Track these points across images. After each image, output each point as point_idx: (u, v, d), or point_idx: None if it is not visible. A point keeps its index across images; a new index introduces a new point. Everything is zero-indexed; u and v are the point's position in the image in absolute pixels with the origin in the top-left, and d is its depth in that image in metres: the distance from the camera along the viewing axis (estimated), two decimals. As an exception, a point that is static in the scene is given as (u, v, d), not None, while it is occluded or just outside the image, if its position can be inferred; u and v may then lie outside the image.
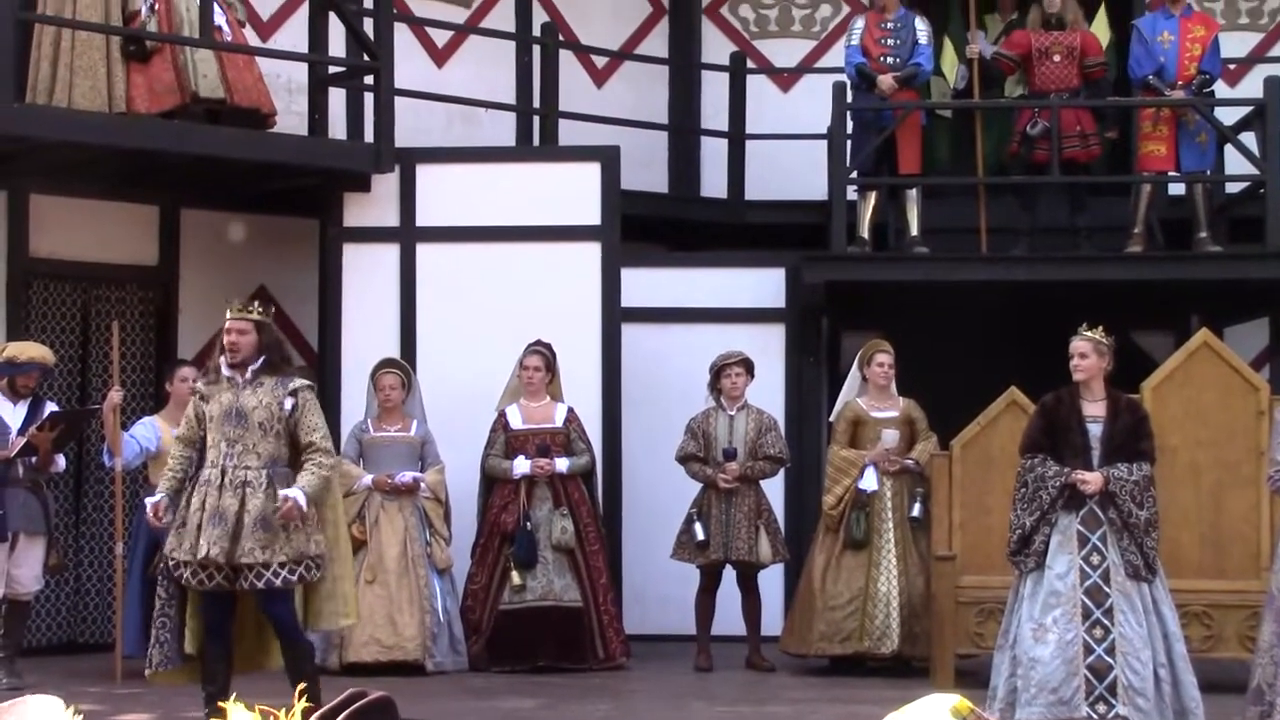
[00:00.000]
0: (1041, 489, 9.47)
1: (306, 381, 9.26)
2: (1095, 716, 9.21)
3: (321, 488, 8.97)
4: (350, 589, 9.29)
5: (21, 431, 11.21)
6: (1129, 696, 9.21)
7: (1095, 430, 9.56)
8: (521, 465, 12.19)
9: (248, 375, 9.02)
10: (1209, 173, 14.12)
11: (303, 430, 8.99)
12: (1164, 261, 14.05)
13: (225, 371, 9.07)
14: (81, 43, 12.15)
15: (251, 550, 8.76)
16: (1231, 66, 14.95)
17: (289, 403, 8.99)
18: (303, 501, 8.82)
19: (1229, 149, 14.06)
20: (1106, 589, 9.34)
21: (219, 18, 12.62)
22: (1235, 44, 15.24)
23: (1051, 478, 9.46)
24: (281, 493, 8.81)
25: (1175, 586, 9.82)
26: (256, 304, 9.29)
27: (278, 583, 8.85)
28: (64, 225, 13.04)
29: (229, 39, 12.70)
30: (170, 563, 9.02)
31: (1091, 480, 9.38)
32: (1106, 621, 9.28)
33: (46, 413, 11.32)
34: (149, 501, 9.36)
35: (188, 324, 13.50)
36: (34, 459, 11.21)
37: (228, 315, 9.15)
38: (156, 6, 12.59)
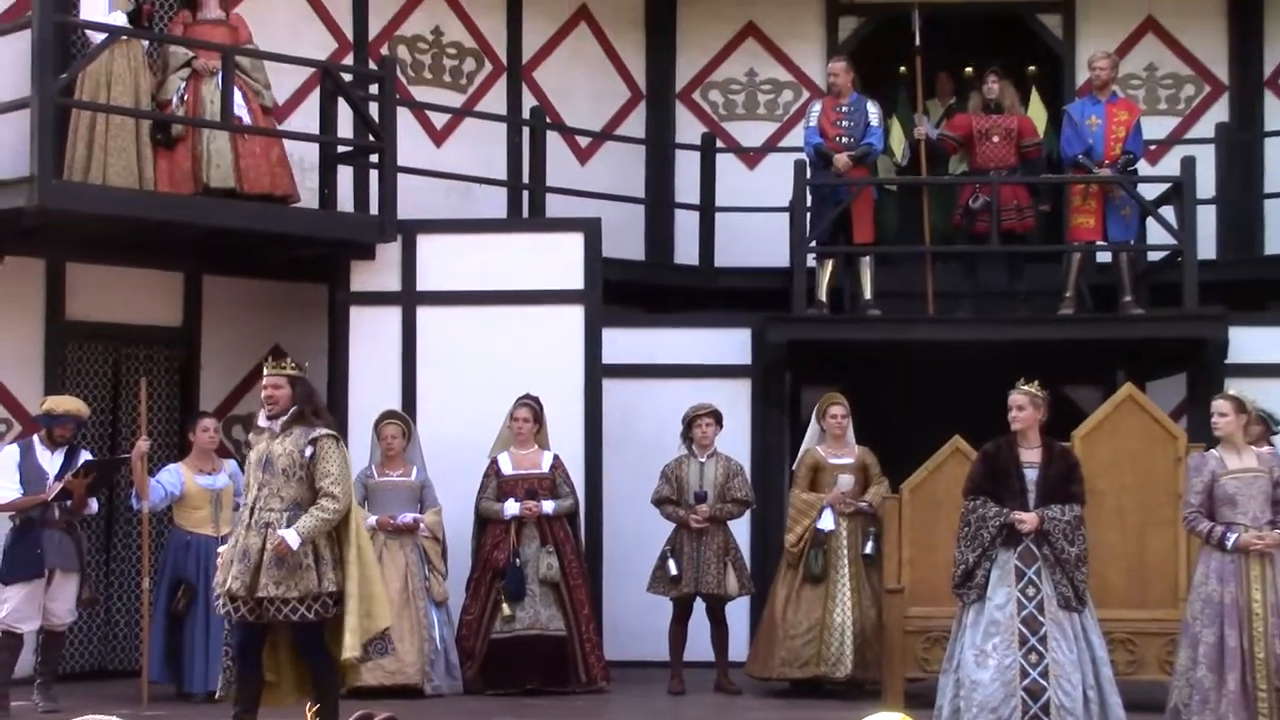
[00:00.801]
0: (983, 528, 9.49)
1: (329, 431, 9.10)
2: (1030, 734, 9.25)
3: (320, 529, 8.81)
4: (356, 624, 8.92)
5: (58, 477, 11.16)
6: (1061, 716, 9.22)
7: (1031, 475, 9.59)
8: (511, 507, 12.18)
9: (279, 425, 9.01)
10: (1133, 243, 14.13)
11: (317, 476, 8.90)
12: (1093, 323, 14.10)
13: (263, 422, 9.08)
14: (115, 126, 12.17)
15: (266, 585, 8.73)
16: (1152, 147, 15.00)
17: (309, 450, 8.92)
18: (292, 541, 8.71)
19: (1150, 221, 14.09)
20: (1041, 618, 9.35)
21: (241, 107, 12.69)
22: (1155, 127, 15.28)
23: (992, 518, 9.48)
24: (279, 532, 8.76)
25: (1103, 615, 9.83)
26: (290, 360, 9.29)
27: (295, 618, 8.81)
28: (96, 290, 13.01)
29: (248, 122, 12.73)
30: (215, 594, 9.06)
31: (1028, 520, 9.40)
32: (1041, 648, 9.29)
33: (81, 461, 11.27)
34: (221, 549, 9.26)
35: (208, 379, 13.49)
36: (69, 502, 11.16)
37: (265, 371, 9.16)
38: (186, 97, 12.65)
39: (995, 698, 9.25)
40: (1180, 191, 13.78)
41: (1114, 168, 13.88)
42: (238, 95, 12.68)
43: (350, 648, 8.91)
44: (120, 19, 12.26)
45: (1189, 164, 13.82)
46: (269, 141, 12.96)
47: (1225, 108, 15.76)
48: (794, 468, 12.61)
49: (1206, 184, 14.51)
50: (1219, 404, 9.85)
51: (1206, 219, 14.62)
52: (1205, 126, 15.55)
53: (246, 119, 12.75)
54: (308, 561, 8.78)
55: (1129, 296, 13.93)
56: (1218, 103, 15.81)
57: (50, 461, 11.27)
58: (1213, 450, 9.84)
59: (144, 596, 11.72)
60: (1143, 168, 14.42)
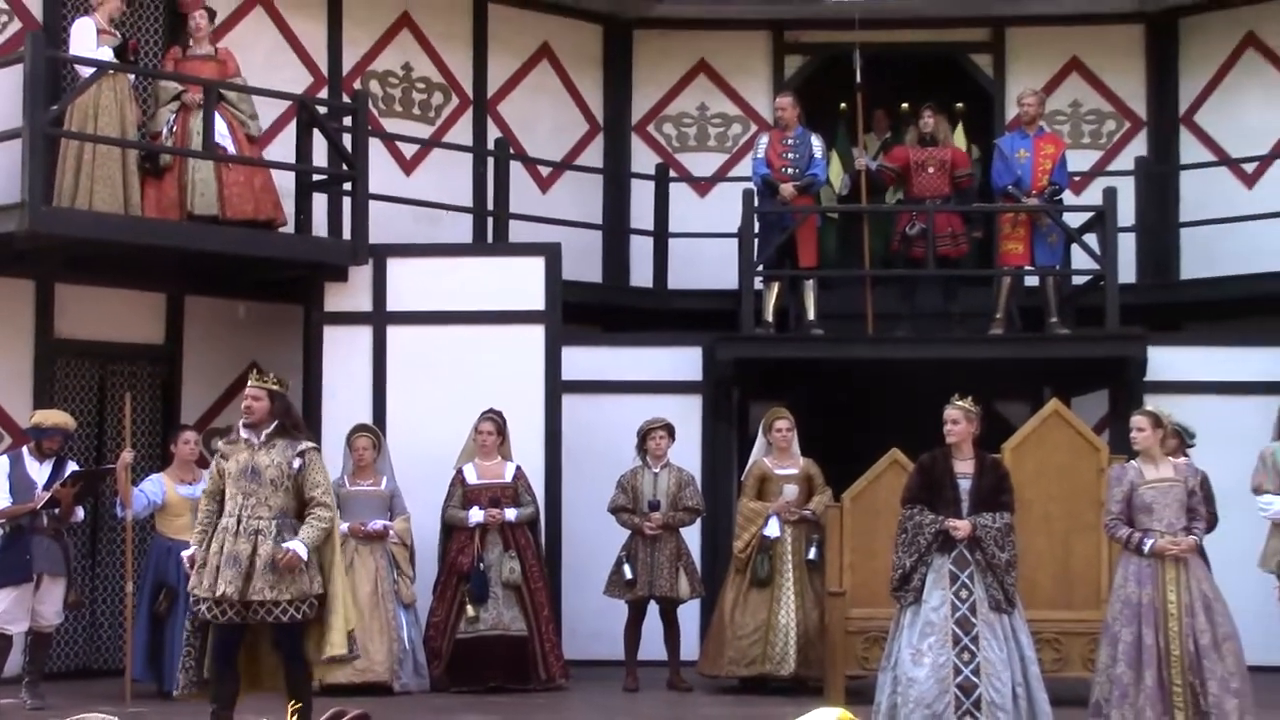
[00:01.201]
0: (919, 535, 9.53)
1: (313, 444, 9.16)
2: (963, 729, 9.29)
3: (320, 538, 8.88)
4: (340, 624, 9.00)
5: (46, 487, 11.12)
6: (991, 711, 9.24)
7: (965, 485, 9.62)
8: (476, 515, 12.18)
9: (262, 437, 8.98)
10: (1058, 267, 14.19)
11: (307, 486, 8.92)
12: (1021, 342, 14.15)
13: (243, 433, 9.03)
14: (101, 155, 12.12)
15: (261, 589, 8.71)
16: (1076, 178, 15.07)
17: (297, 462, 8.92)
18: (303, 552, 8.75)
19: (1075, 248, 14.16)
20: (973, 619, 9.39)
21: (226, 136, 12.69)
22: (1080, 160, 15.36)
23: (928, 525, 9.51)
24: (284, 545, 8.75)
25: (1030, 616, 9.85)
26: (273, 375, 9.24)
27: (284, 619, 8.80)
28: (84, 310, 12.97)
29: (232, 151, 12.73)
30: (192, 599, 8.99)
31: (962, 527, 9.44)
32: (973, 647, 9.33)
33: (68, 471, 11.24)
34: (185, 555, 9.27)
35: (189, 394, 13.44)
36: (56, 510, 11.13)
37: (249, 383, 9.13)
38: (175, 129, 12.64)
39: (930, 694, 9.29)
40: (1102, 220, 13.87)
41: (1041, 197, 13.96)
42: (224, 125, 12.70)
43: (338, 645, 8.95)
44: (107, 54, 12.24)
45: (1110, 194, 13.91)
46: (253, 169, 12.95)
47: (1144, 142, 15.84)
48: (742, 478, 12.64)
49: (1127, 213, 14.60)
50: (1137, 420, 9.92)
51: (1127, 246, 14.73)
52: (1125, 160, 15.63)
53: (231, 148, 12.74)
54: (301, 565, 8.79)
55: (1055, 318, 14.01)
56: (1137, 137, 15.89)
57: (39, 472, 11.23)
58: (1132, 462, 9.91)
59: (127, 600, 11.68)
60: (1068, 197, 14.49)
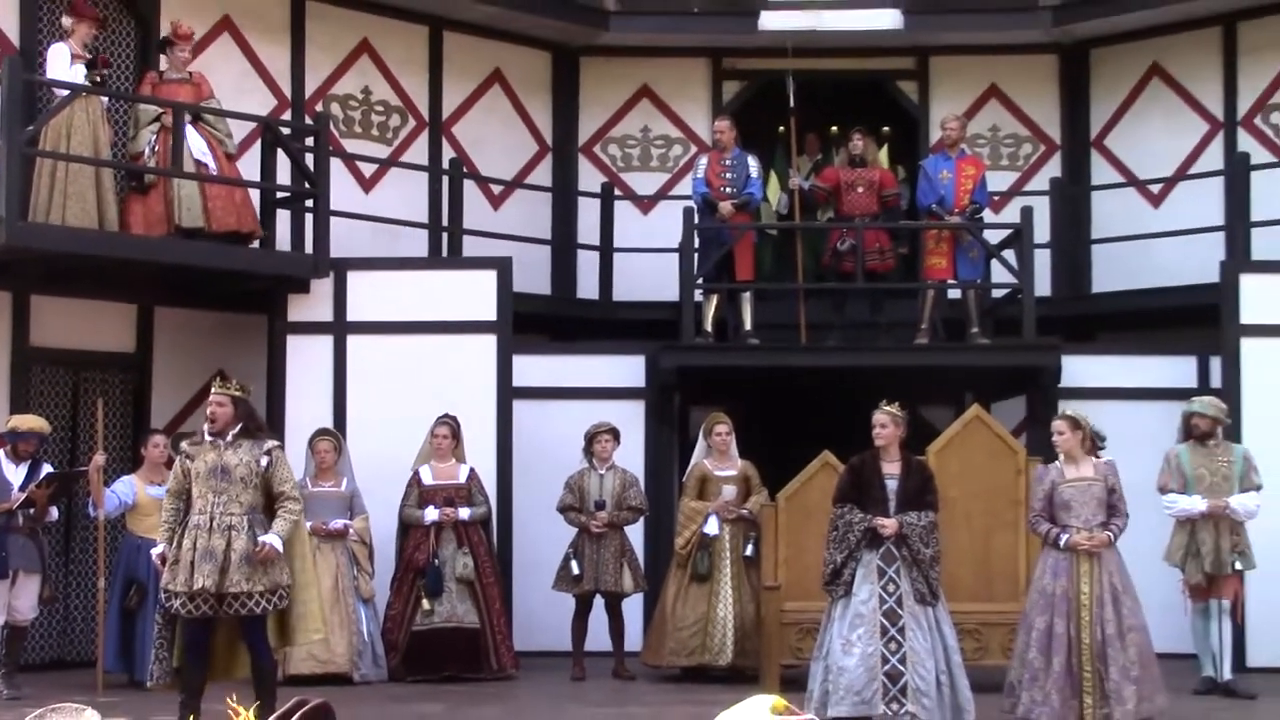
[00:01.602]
0: (849, 532, 9.58)
1: (277, 443, 9.27)
2: (890, 713, 9.31)
3: (292, 530, 8.94)
4: (317, 609, 9.20)
5: (22, 488, 11.07)
6: (916, 697, 9.31)
7: (892, 485, 9.68)
8: (431, 513, 12.16)
9: (228, 439, 8.99)
10: (979, 281, 14.28)
11: (275, 482, 8.97)
12: (944, 351, 14.22)
13: (208, 436, 9.04)
14: (74, 173, 12.05)
15: (238, 581, 8.73)
16: (996, 198, 15.14)
17: (264, 460, 8.96)
18: (278, 545, 8.81)
19: (994, 263, 14.24)
20: (900, 611, 9.44)
21: (207, 154, 12.67)
22: (999, 180, 15.43)
23: (857, 523, 9.56)
24: (260, 539, 8.77)
25: (953, 608, 9.91)
26: (235, 382, 9.26)
27: (258, 610, 8.82)
28: (58, 320, 12.89)
29: (214, 171, 12.71)
30: (164, 596, 8.96)
31: (889, 525, 9.49)
32: (900, 637, 9.38)
33: (43, 473, 11.20)
34: (154, 552, 9.24)
35: (159, 400, 13.38)
36: (32, 510, 11.08)
37: (213, 389, 9.15)
38: (157, 148, 12.59)
39: (860, 681, 9.33)
40: (1020, 237, 13.95)
41: (963, 215, 14.01)
42: (204, 143, 12.69)
43: (315, 630, 9.18)
44: (80, 71, 12.18)
45: (1027, 213, 13.99)
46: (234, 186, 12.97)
47: (1058, 164, 15.94)
48: (684, 479, 12.66)
49: (1042, 230, 14.70)
50: (1057, 424, 10.01)
51: (1042, 261, 14.80)
52: (1041, 180, 15.72)
53: (212, 165, 12.73)
54: (277, 557, 8.84)
55: (976, 328, 14.07)
56: (1051, 160, 16.00)
57: (15, 473, 11.18)
58: (1055, 462, 10.01)
59: (100, 595, 11.60)
60: (988, 216, 14.54)
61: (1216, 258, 14.07)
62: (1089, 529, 9.69)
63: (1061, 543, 9.67)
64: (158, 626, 9.11)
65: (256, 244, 13.15)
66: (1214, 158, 15.15)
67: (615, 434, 12.52)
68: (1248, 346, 13.25)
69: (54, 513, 11.49)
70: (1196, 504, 11.35)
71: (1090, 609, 9.60)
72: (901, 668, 9.31)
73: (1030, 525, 10.00)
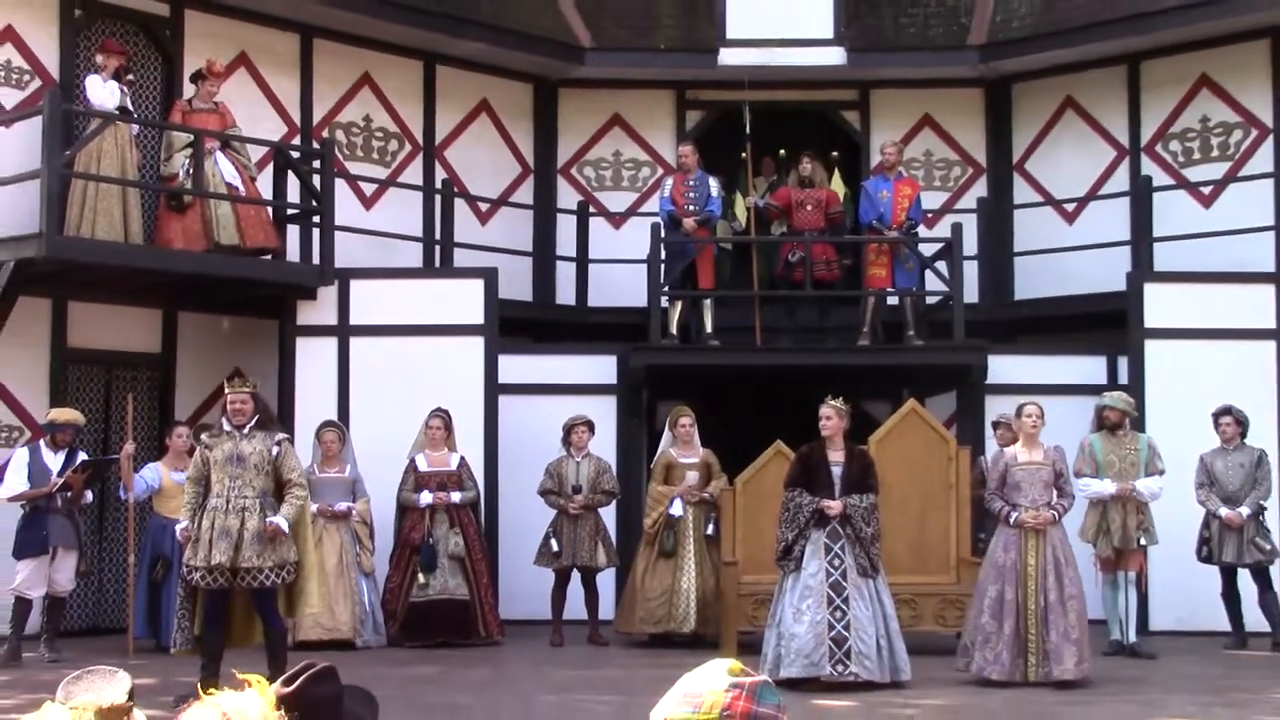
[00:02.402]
0: (799, 513, 9.64)
1: (286, 435, 9.42)
2: (836, 674, 9.39)
3: (298, 514, 9.08)
4: (314, 588, 9.33)
5: (60, 474, 11.09)
6: (859, 659, 9.39)
7: (837, 471, 9.76)
8: (426, 497, 12.17)
9: (245, 430, 9.06)
10: (915, 289, 14.34)
11: (284, 470, 9.08)
12: (884, 351, 14.27)
13: (227, 428, 9.10)
14: (103, 191, 12.08)
15: (250, 557, 8.84)
16: (930, 214, 15.19)
17: (275, 450, 9.09)
18: (284, 526, 8.94)
19: (928, 273, 14.31)
20: (844, 583, 9.51)
21: (235, 176, 12.69)
22: (931, 199, 15.47)
23: (806, 505, 9.63)
24: (269, 519, 8.90)
25: (891, 580, 10.00)
26: (250, 380, 9.38)
27: (268, 583, 8.93)
28: (93, 324, 12.88)
29: (242, 192, 12.73)
30: (185, 570, 9.01)
31: (834, 506, 9.56)
32: (844, 606, 9.45)
33: (79, 460, 11.22)
34: (179, 528, 9.31)
35: (182, 395, 13.37)
36: (69, 494, 11.10)
37: (227, 390, 9.23)
38: (190, 171, 12.60)
39: (808, 646, 9.40)
40: (951, 250, 14.01)
41: (900, 231, 14.07)
42: (232, 168, 12.71)
43: (311, 606, 9.30)
44: (114, 90, 12.17)
45: (957, 229, 14.09)
46: (260, 205, 13.00)
47: (984, 185, 15.97)
48: (651, 466, 12.71)
49: (970, 244, 14.77)
50: (1033, 409, 10.12)
51: (971, 271, 14.85)
52: (969, 200, 15.78)
53: (241, 188, 12.77)
54: (283, 536, 8.93)
55: (912, 331, 14.13)
56: (978, 181, 16.04)
57: (54, 460, 11.18)
58: (1010, 448, 10.14)
59: (130, 569, 11.62)
60: (922, 231, 14.62)
61: (1123, 269, 14.18)
62: (1035, 508, 9.81)
63: (1011, 520, 9.77)
64: (180, 598, 9.17)
65: (269, 256, 13.15)
66: (1120, 180, 15.23)
67: (590, 426, 12.54)
68: (1151, 347, 13.35)
69: (89, 496, 11.50)
70: (1107, 487, 11.45)
71: (1036, 578, 9.70)
72: (846, 633, 9.37)
73: (986, 502, 10.10)
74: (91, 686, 3.02)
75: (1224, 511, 11.70)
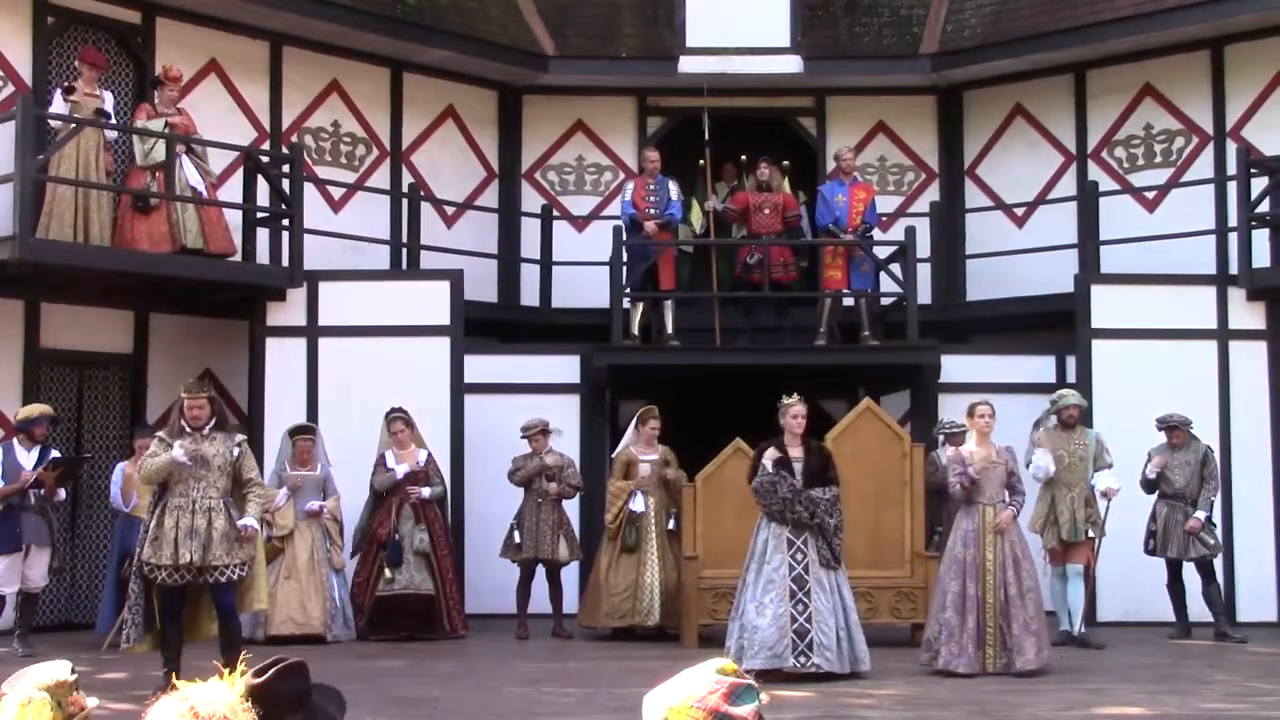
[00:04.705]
0: (776, 485, 9.59)
1: (243, 436, 9.44)
2: (799, 665, 9.38)
3: (262, 512, 9.16)
4: (263, 584, 9.37)
5: (32, 471, 10.99)
6: (821, 651, 9.39)
7: (798, 467, 9.77)
8: (401, 468, 12.06)
9: (205, 432, 9.01)
10: (870, 290, 14.37)
11: (244, 470, 9.09)
12: (840, 351, 14.28)
13: (187, 430, 9.02)
14: (59, 195, 11.97)
15: (219, 555, 8.84)
16: (883, 218, 15.21)
17: (235, 451, 9.09)
18: (257, 525, 9.03)
19: (883, 275, 14.35)
20: (806, 577, 9.52)
21: (200, 181, 12.59)
22: (886, 203, 15.50)
23: (780, 482, 9.61)
24: (241, 522, 8.91)
25: (849, 574, 10.00)
26: (206, 383, 9.34)
27: (234, 578, 8.93)
28: (65, 324, 12.76)
29: (205, 196, 12.63)
30: (145, 567, 8.92)
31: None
32: (806, 599, 9.46)
33: (50, 457, 11.10)
34: (178, 447, 8.91)
35: (154, 397, 13.22)
36: (42, 490, 10.98)
37: (183, 394, 9.16)
38: (157, 175, 12.47)
39: (771, 638, 9.40)
40: (904, 252, 14.06)
41: (855, 234, 14.11)
42: (197, 173, 12.61)
43: (259, 601, 9.34)
44: (59, 104, 12.04)
45: (910, 232, 14.11)
46: (221, 210, 12.88)
47: (937, 190, 16.00)
48: (611, 461, 12.67)
49: (924, 247, 14.80)
50: (985, 408, 10.12)
51: (924, 273, 14.89)
52: (922, 204, 15.81)
53: (204, 193, 12.67)
54: (254, 535, 9.00)
55: (867, 331, 14.17)
56: (931, 186, 16.06)
57: (27, 459, 11.09)
58: (964, 446, 10.14)
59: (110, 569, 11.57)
60: (877, 234, 14.63)
61: (1071, 271, 14.23)
62: (993, 504, 9.83)
63: (971, 472, 9.74)
64: (133, 595, 9.09)
65: (238, 258, 13.05)
66: (1068, 185, 15.29)
67: (545, 430, 12.44)
68: (1098, 347, 13.41)
69: (61, 493, 11.37)
70: (1049, 461, 11.46)
71: (995, 573, 9.72)
72: (808, 626, 9.38)
73: (951, 489, 10.09)
74: (35, 672, 3.06)
75: (1200, 514, 11.72)
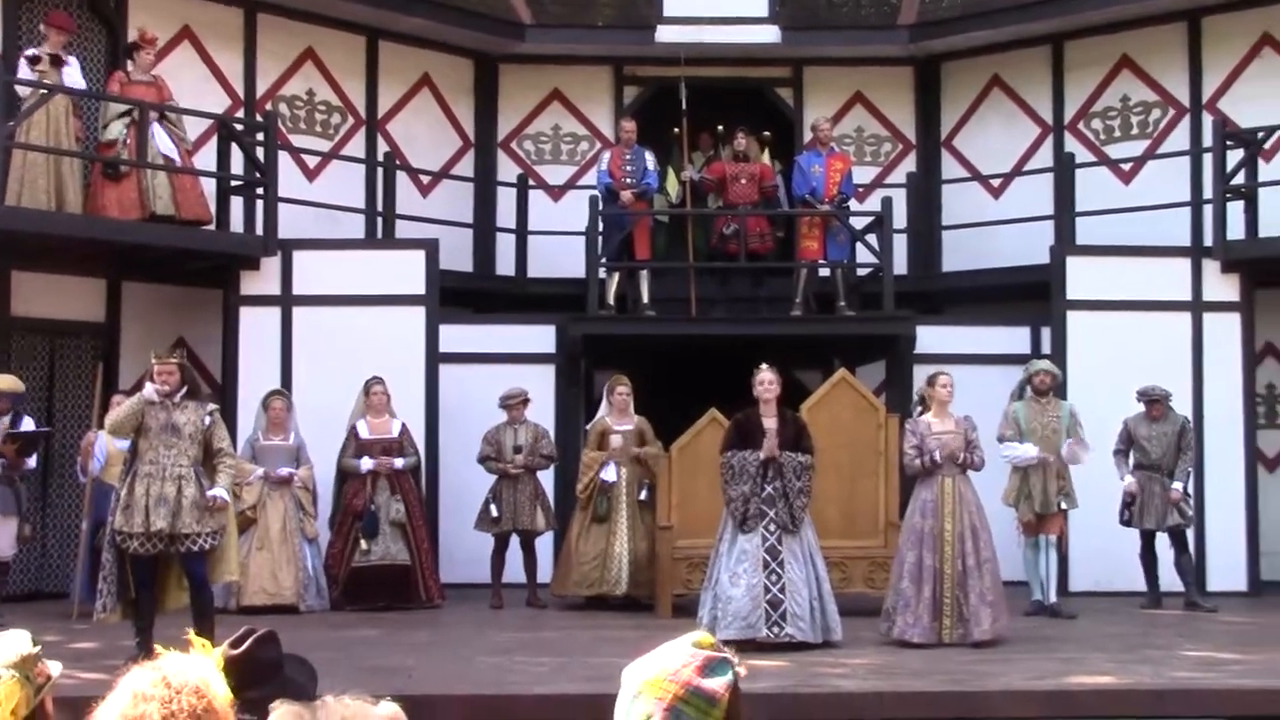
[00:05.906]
0: (745, 466, 9.61)
1: (215, 406, 9.38)
2: (772, 635, 9.39)
3: (232, 482, 9.11)
4: (235, 555, 9.32)
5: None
6: (794, 621, 9.40)
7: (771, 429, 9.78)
8: (367, 463, 12.05)
9: (176, 400, 8.92)
10: (846, 261, 14.34)
11: (214, 440, 8.99)
12: (816, 322, 14.27)
13: (156, 399, 8.94)
14: (30, 161, 11.85)
15: (189, 524, 8.78)
16: (860, 189, 15.20)
17: (207, 420, 8.99)
18: (227, 496, 8.98)
19: (859, 245, 14.31)
20: (779, 548, 9.52)
21: (172, 149, 12.48)
22: (863, 174, 15.49)
23: (750, 459, 9.62)
24: (211, 492, 8.84)
25: (822, 544, 10.01)
26: (177, 351, 9.23)
27: (207, 547, 8.87)
28: (36, 293, 12.62)
29: (178, 163, 12.51)
30: (118, 536, 8.86)
31: (771, 445, 9.54)
32: (779, 570, 9.46)
33: (21, 428, 10.99)
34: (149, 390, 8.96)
35: (126, 365, 13.09)
36: (4, 461, 10.89)
37: (153, 360, 9.07)
38: (128, 141, 12.36)
39: (745, 608, 9.40)
40: (881, 223, 14.03)
41: (832, 204, 14.09)
42: (169, 139, 12.48)
43: (230, 572, 9.30)
44: (25, 71, 11.92)
45: (887, 203, 14.08)
46: (196, 177, 12.75)
47: (913, 161, 15.98)
48: (586, 431, 12.65)
49: (900, 218, 14.75)
50: (946, 378, 10.12)
51: (900, 244, 14.87)
52: (899, 175, 15.78)
53: (177, 159, 12.53)
54: (224, 506, 8.95)
55: (843, 302, 14.15)
56: (908, 157, 16.04)
57: (-9, 430, 10.98)
58: (923, 416, 10.13)
59: (82, 538, 11.46)
60: (854, 204, 14.60)
61: (1046, 242, 14.19)
62: (951, 476, 9.85)
63: (937, 457, 9.75)
64: (106, 565, 9.01)
65: (212, 226, 12.95)
66: (1044, 157, 15.28)
67: (525, 400, 12.43)
68: (1073, 318, 13.40)
69: (29, 463, 11.23)
70: (1029, 450, 11.49)
71: (952, 544, 9.73)
72: (781, 596, 9.38)
73: (907, 465, 10.10)
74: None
75: (1177, 486, 11.75)
